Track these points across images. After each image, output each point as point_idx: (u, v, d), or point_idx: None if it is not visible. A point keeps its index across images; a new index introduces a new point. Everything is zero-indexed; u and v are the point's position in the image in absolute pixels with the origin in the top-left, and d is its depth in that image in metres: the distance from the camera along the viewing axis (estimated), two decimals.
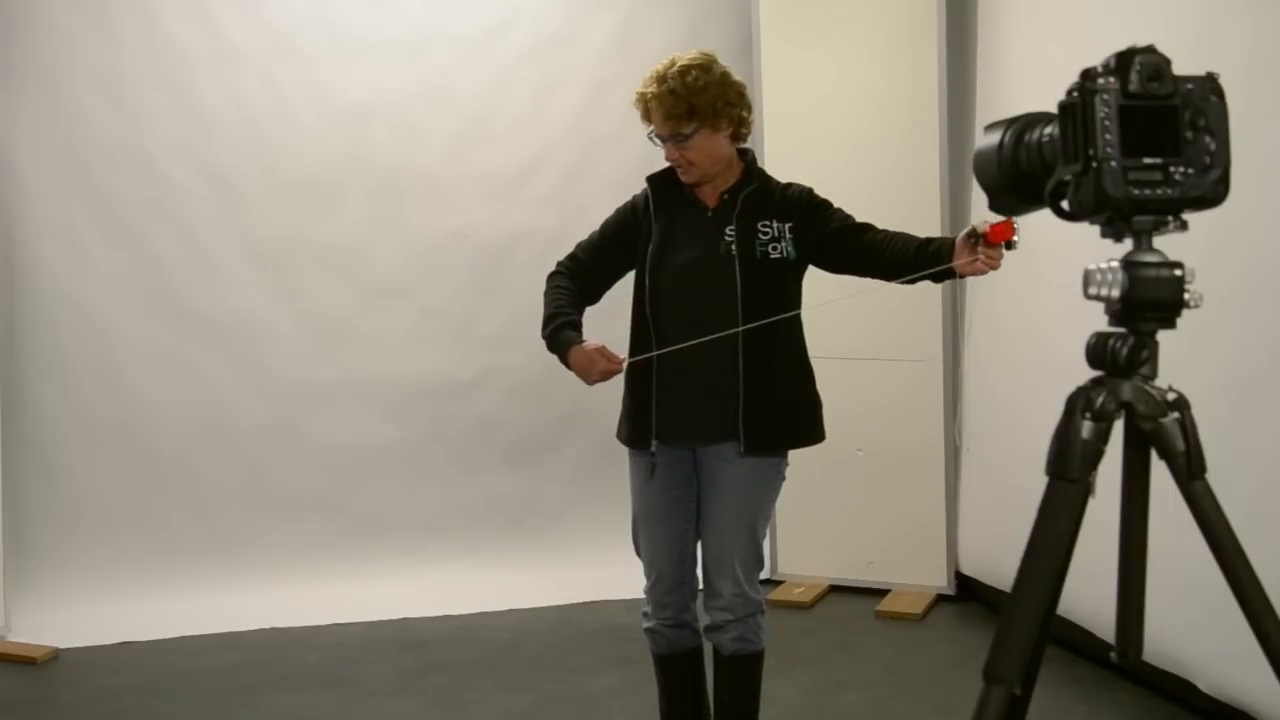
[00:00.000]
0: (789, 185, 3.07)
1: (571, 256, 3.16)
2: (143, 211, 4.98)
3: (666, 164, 3.06)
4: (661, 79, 2.93)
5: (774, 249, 2.95)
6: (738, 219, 2.97)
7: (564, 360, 3.02)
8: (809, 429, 3.09)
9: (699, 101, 2.92)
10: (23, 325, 4.84)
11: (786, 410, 3.01)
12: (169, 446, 5.03)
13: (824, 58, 4.91)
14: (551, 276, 3.15)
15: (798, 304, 3.03)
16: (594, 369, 2.94)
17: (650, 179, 3.11)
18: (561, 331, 3.02)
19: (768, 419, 2.97)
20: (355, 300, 5.24)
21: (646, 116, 2.98)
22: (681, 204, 3.05)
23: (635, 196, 3.14)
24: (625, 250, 3.09)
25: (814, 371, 3.11)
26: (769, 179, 3.09)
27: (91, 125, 4.90)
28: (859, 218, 3.03)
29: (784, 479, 3.11)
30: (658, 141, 3.01)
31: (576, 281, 3.11)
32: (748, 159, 3.08)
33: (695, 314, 2.95)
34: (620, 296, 3.15)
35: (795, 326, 3.03)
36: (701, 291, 2.97)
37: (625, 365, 2.98)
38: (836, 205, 3.05)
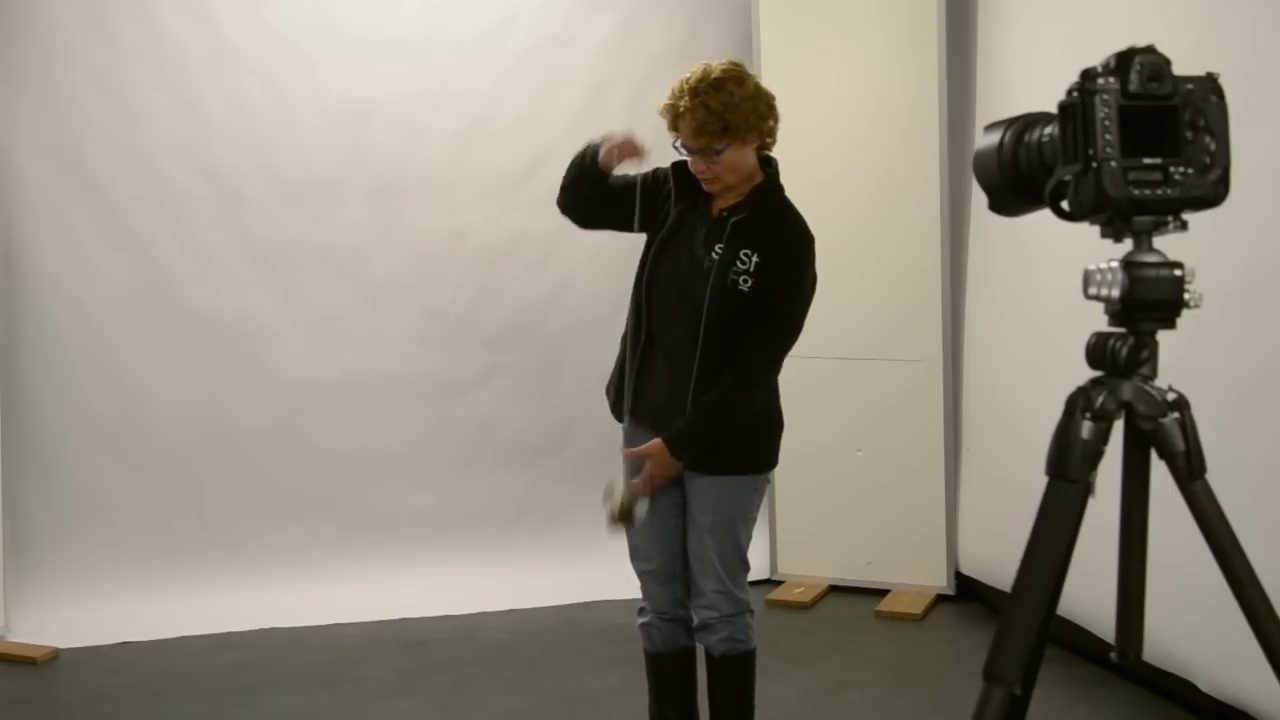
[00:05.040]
0: (787, 222, 2.98)
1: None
2: (143, 211, 4.97)
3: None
4: (695, 92, 2.85)
5: (743, 281, 2.90)
6: (725, 242, 2.93)
7: (594, 155, 2.98)
8: (752, 457, 3.04)
9: (733, 118, 2.86)
10: (23, 325, 4.84)
11: (730, 437, 2.95)
12: (169, 446, 5.02)
13: (824, 58, 4.91)
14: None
15: None
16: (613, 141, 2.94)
17: (675, 167, 3.04)
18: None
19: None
20: (355, 300, 5.24)
21: (674, 127, 2.92)
22: (694, 203, 3.02)
23: (659, 169, 3.07)
24: (633, 196, 3.02)
25: (779, 397, 3.06)
26: (775, 205, 3.00)
27: (91, 125, 4.89)
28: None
29: (768, 481, 3.13)
30: (684, 152, 2.95)
31: None
32: (769, 172, 3.02)
33: (673, 313, 2.98)
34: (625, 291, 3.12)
35: None
36: (681, 296, 2.96)
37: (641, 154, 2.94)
38: (776, 298, 2.92)
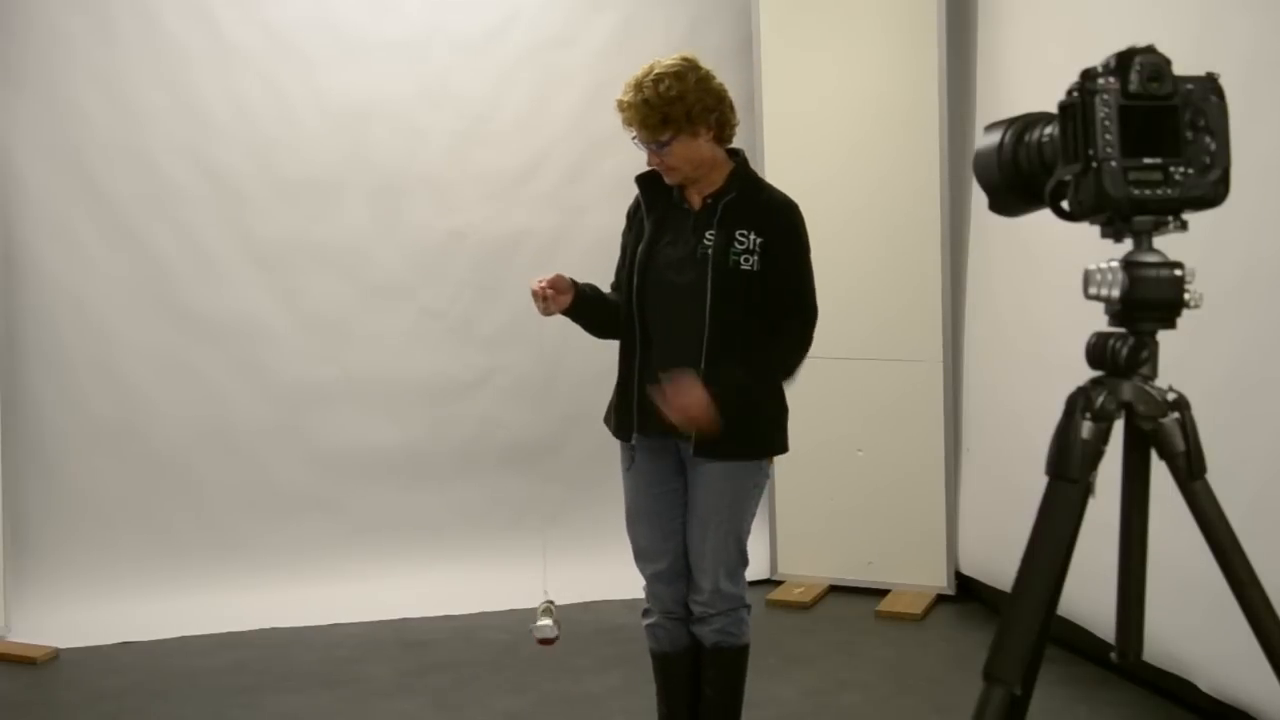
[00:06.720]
0: (773, 197, 3.04)
1: (613, 285, 3.20)
2: (143, 211, 4.97)
3: None
4: (638, 87, 2.95)
5: (745, 260, 2.94)
6: (718, 225, 2.97)
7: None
8: (762, 441, 3.05)
9: (672, 111, 2.92)
10: (23, 325, 4.84)
11: (739, 420, 2.94)
12: (169, 446, 5.02)
13: (824, 58, 4.91)
14: None
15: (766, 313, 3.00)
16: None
17: (638, 178, 3.14)
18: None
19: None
20: (355, 300, 5.24)
21: (628, 123, 3.00)
22: (669, 203, 3.08)
23: (631, 204, 3.17)
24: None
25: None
26: (755, 185, 3.07)
27: (91, 125, 4.90)
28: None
29: (767, 476, 3.14)
30: (641, 146, 3.02)
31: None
32: (737, 160, 3.07)
33: (671, 311, 3.00)
34: None
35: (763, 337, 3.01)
36: (678, 290, 2.99)
37: (543, 305, 2.99)
38: (793, 271, 2.99)
